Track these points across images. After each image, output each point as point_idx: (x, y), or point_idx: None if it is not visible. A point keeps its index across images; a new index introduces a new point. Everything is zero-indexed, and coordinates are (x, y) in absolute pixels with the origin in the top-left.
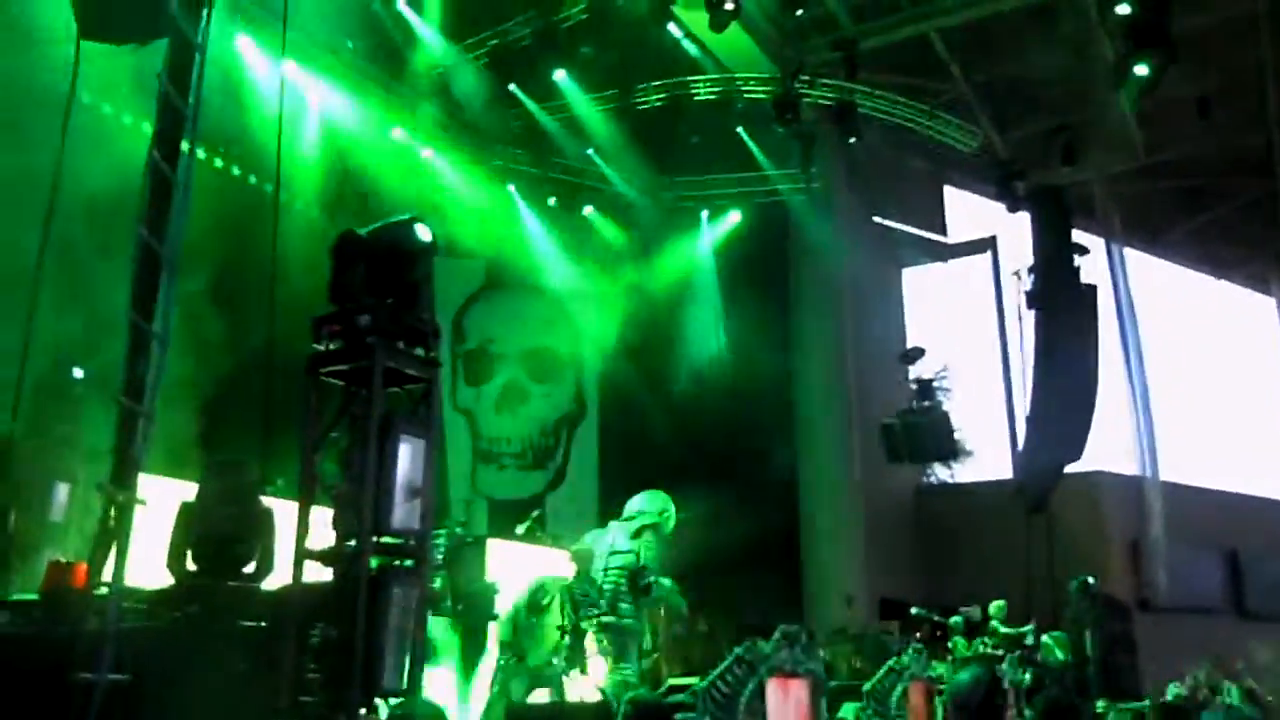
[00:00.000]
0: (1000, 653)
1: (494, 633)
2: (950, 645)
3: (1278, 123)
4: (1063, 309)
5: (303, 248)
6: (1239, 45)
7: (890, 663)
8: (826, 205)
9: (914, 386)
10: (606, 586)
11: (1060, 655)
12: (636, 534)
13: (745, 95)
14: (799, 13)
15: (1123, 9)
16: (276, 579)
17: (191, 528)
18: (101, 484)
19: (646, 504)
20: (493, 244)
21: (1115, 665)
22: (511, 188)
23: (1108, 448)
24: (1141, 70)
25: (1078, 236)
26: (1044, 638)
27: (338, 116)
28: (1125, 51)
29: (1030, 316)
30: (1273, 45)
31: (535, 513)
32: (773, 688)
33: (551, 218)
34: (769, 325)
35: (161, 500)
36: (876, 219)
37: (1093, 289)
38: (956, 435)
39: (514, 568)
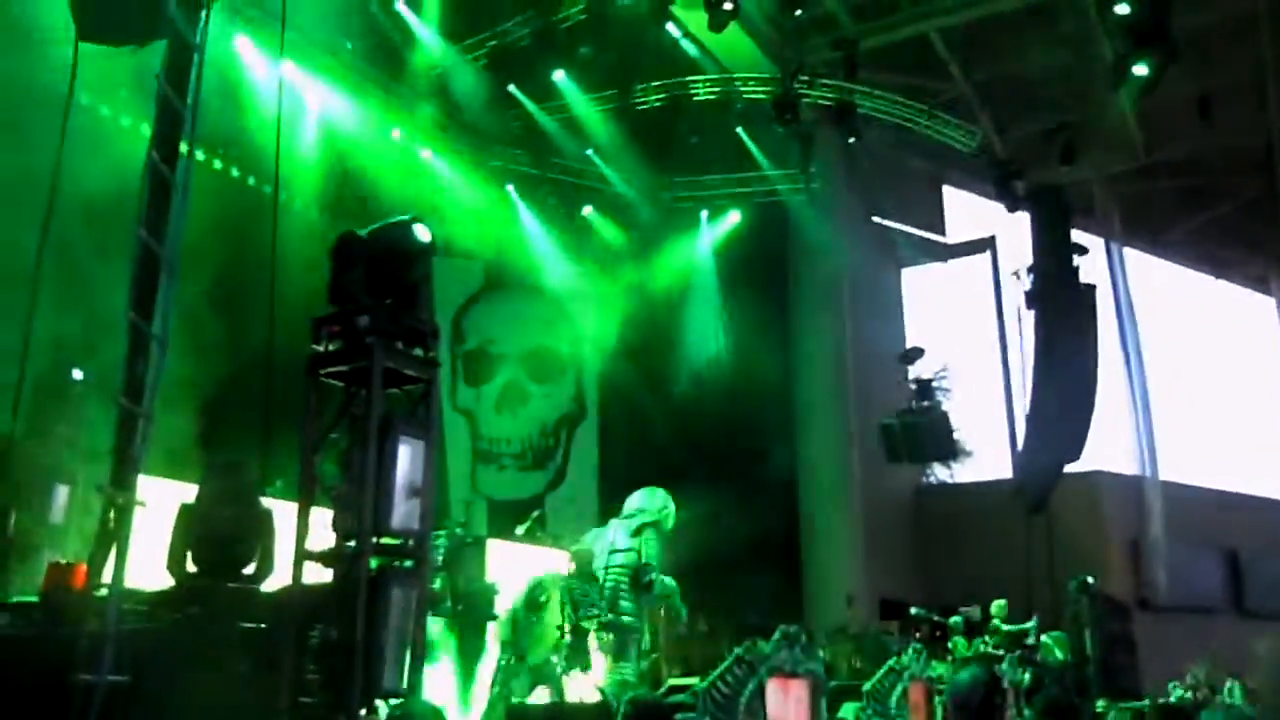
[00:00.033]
0: (1001, 652)
1: (494, 633)
2: (950, 645)
3: (1277, 121)
4: (1062, 309)
5: (302, 249)
6: (1239, 44)
7: (890, 663)
8: (826, 205)
9: (913, 386)
10: (608, 585)
11: (1060, 655)
12: (637, 531)
13: (744, 95)
14: (798, 13)
15: (1122, 8)
16: (276, 580)
17: (191, 529)
18: (101, 485)
19: (646, 501)
20: (492, 244)
21: (1115, 665)
22: (511, 188)
23: (1107, 447)
24: (1141, 70)
25: (1077, 236)
26: (1044, 637)
27: (337, 117)
28: (1125, 51)
29: (1029, 316)
30: (1273, 44)
31: (535, 513)
32: (773, 688)
33: (551, 218)
34: (768, 325)
35: (161, 501)
36: (876, 219)
37: (1092, 289)
38: (956, 435)
39: (514, 568)
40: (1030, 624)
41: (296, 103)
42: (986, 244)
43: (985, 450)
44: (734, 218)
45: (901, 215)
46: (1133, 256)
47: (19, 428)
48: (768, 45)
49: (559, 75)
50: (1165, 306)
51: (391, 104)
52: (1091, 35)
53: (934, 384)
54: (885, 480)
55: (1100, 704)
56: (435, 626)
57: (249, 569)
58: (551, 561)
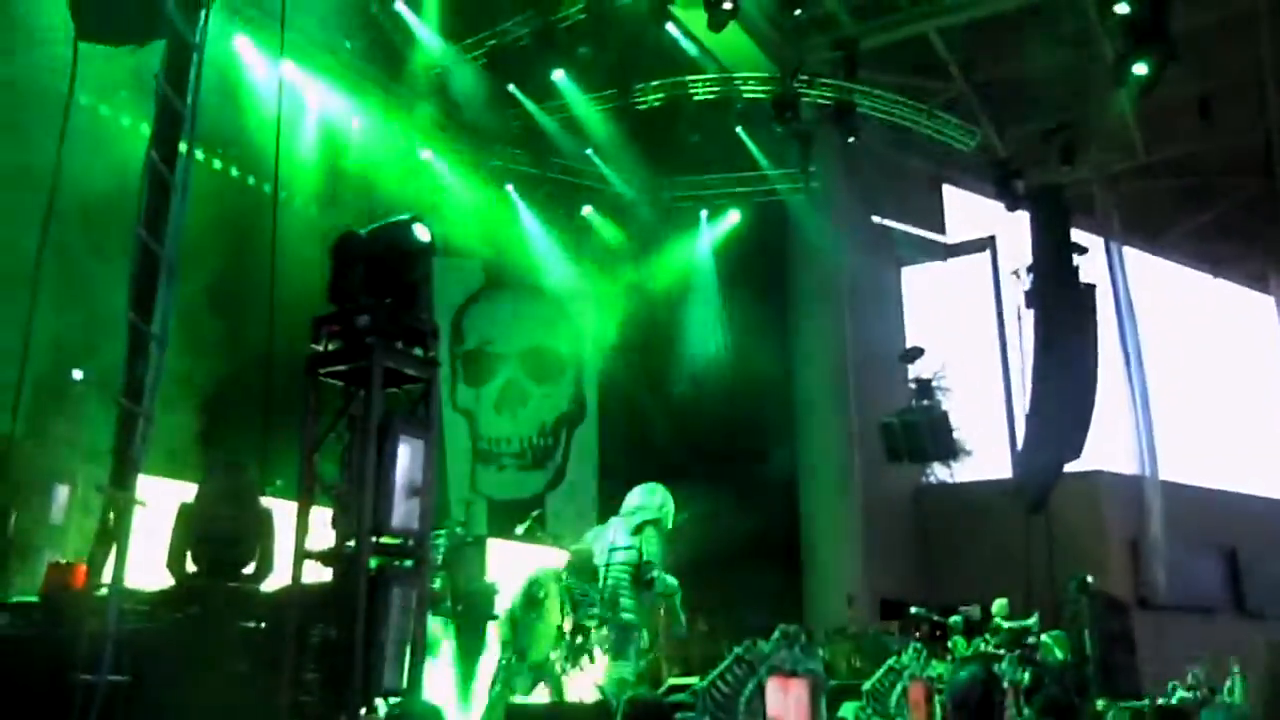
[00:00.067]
0: (1002, 652)
1: (494, 632)
2: (950, 645)
3: (1277, 121)
4: (1062, 308)
5: (302, 248)
6: (1238, 44)
7: (890, 662)
8: (826, 205)
9: (913, 386)
10: (609, 583)
11: (1059, 654)
12: (638, 529)
13: (744, 95)
14: (798, 12)
15: (1122, 8)
16: (276, 579)
17: (191, 528)
18: (101, 485)
19: (645, 499)
20: (491, 244)
21: (1114, 664)
22: (510, 188)
23: (1107, 447)
24: (1141, 69)
25: (1077, 235)
26: (1043, 637)
27: (336, 117)
28: (1125, 50)
29: (1029, 316)
30: (1272, 44)
31: (535, 513)
32: (772, 687)
33: (550, 218)
34: (768, 325)
35: (161, 501)
36: (875, 218)
37: (1091, 288)
38: (956, 435)
39: (514, 568)
40: (1031, 620)
41: (296, 102)
42: (986, 243)
43: (985, 450)
44: (733, 217)
45: (901, 215)
46: (1132, 255)
47: (19, 428)
48: (767, 45)
49: (558, 75)
50: (1165, 305)
51: (391, 103)
52: (1091, 35)
53: (934, 383)
54: (885, 480)
55: (1100, 703)
56: (435, 626)
57: (249, 569)
58: (549, 559)
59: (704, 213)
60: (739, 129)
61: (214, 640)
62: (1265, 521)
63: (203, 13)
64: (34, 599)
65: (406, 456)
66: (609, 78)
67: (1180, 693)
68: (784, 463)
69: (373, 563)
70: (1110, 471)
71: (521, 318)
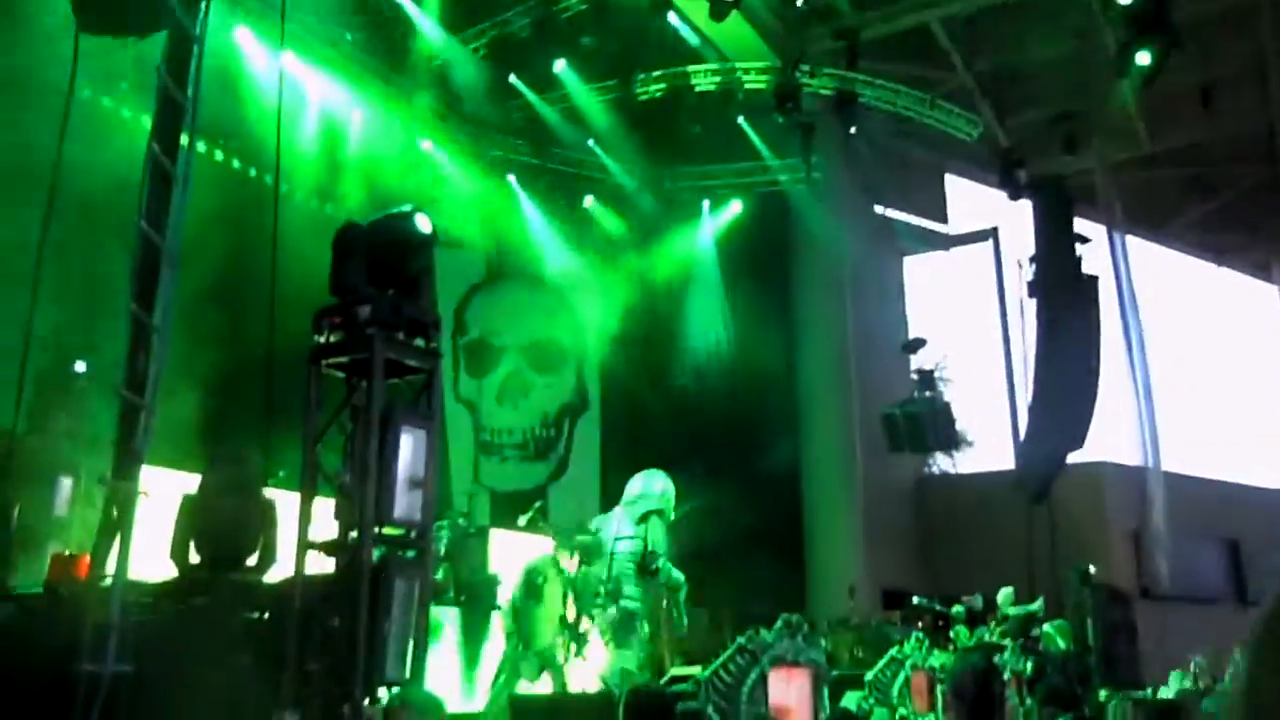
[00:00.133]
0: (1007, 641)
1: (497, 623)
2: (952, 635)
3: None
4: (1064, 298)
5: (303, 240)
6: (1240, 33)
7: (892, 652)
8: (828, 195)
9: (915, 376)
10: (613, 571)
11: (1061, 644)
12: (642, 519)
13: (746, 85)
14: (800, 2)
15: None
16: (279, 570)
17: (194, 520)
18: (104, 477)
19: (646, 486)
20: (493, 235)
21: (1116, 654)
22: (512, 178)
23: (1109, 438)
24: (1143, 58)
25: (1079, 225)
26: (1045, 626)
27: (337, 108)
28: (1127, 40)
29: (1032, 306)
30: (1274, 33)
31: (537, 504)
32: (775, 677)
33: (552, 208)
34: (770, 315)
35: (164, 492)
36: (878, 208)
37: (1094, 278)
38: (958, 425)
39: (516, 559)
40: (1036, 605)
41: (297, 94)
42: (988, 234)
43: (987, 440)
44: (735, 208)
45: (903, 205)
46: (1135, 245)
47: (21, 421)
48: (769, 35)
49: (560, 65)
50: (1168, 295)
51: (392, 94)
52: (1093, 24)
53: (936, 374)
54: (887, 470)
55: (1102, 693)
56: (439, 617)
57: (252, 560)
58: (546, 546)
59: (706, 203)
60: (740, 119)
61: (217, 631)
62: (1268, 512)
63: (203, 4)
64: (38, 590)
65: (409, 447)
66: (610, 68)
67: (1182, 682)
68: (786, 453)
69: (375, 554)
70: (1113, 462)
71: (523, 309)
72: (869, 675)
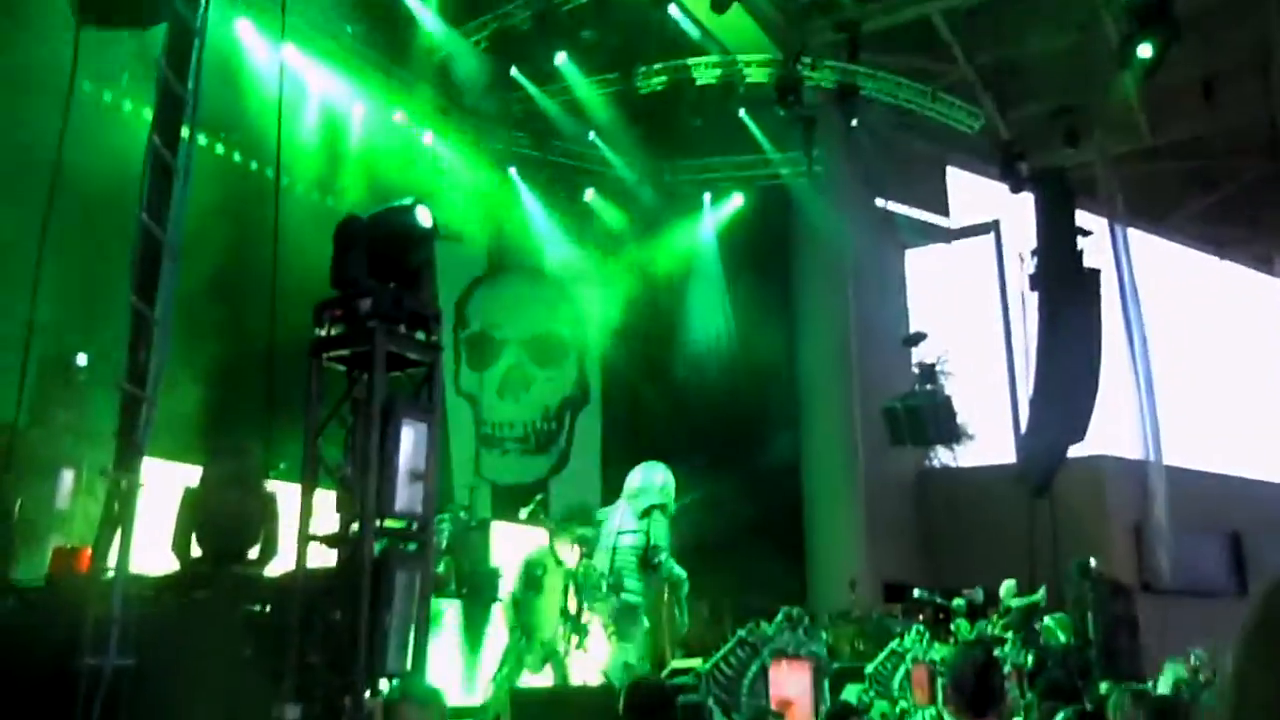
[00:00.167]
0: (1009, 635)
1: (498, 616)
2: (953, 628)
3: None
4: (1066, 291)
5: (304, 233)
6: (1243, 26)
7: (892, 645)
8: (829, 188)
9: (917, 370)
10: (615, 565)
11: (1062, 637)
12: (645, 514)
13: (747, 78)
14: None
15: None
16: (281, 563)
17: (196, 513)
18: (105, 470)
19: (647, 480)
20: (494, 228)
21: (1117, 648)
22: (513, 171)
23: (1111, 431)
24: (1145, 51)
25: (1081, 218)
26: (1046, 620)
27: (338, 101)
28: (1129, 32)
29: (1033, 299)
30: (1277, 26)
31: (539, 497)
32: (776, 670)
33: (553, 201)
34: (771, 309)
35: (166, 485)
36: (879, 201)
37: (1096, 271)
38: (959, 418)
39: (517, 552)
40: (1038, 595)
41: (298, 87)
42: (990, 226)
43: (988, 434)
44: (737, 201)
45: (905, 198)
46: (1137, 238)
47: (23, 414)
48: (770, 27)
49: (561, 58)
50: (1170, 288)
51: (393, 87)
52: (1095, 16)
53: (937, 367)
54: (888, 463)
55: (1103, 686)
56: (440, 609)
57: (253, 552)
58: (543, 538)
59: (707, 196)
60: (742, 112)
61: (218, 624)
62: (1269, 506)
63: None
64: (40, 584)
65: (410, 440)
66: (611, 61)
67: (1178, 672)
68: (787, 446)
69: (377, 546)
70: (1114, 456)
71: (524, 302)
72: (870, 668)
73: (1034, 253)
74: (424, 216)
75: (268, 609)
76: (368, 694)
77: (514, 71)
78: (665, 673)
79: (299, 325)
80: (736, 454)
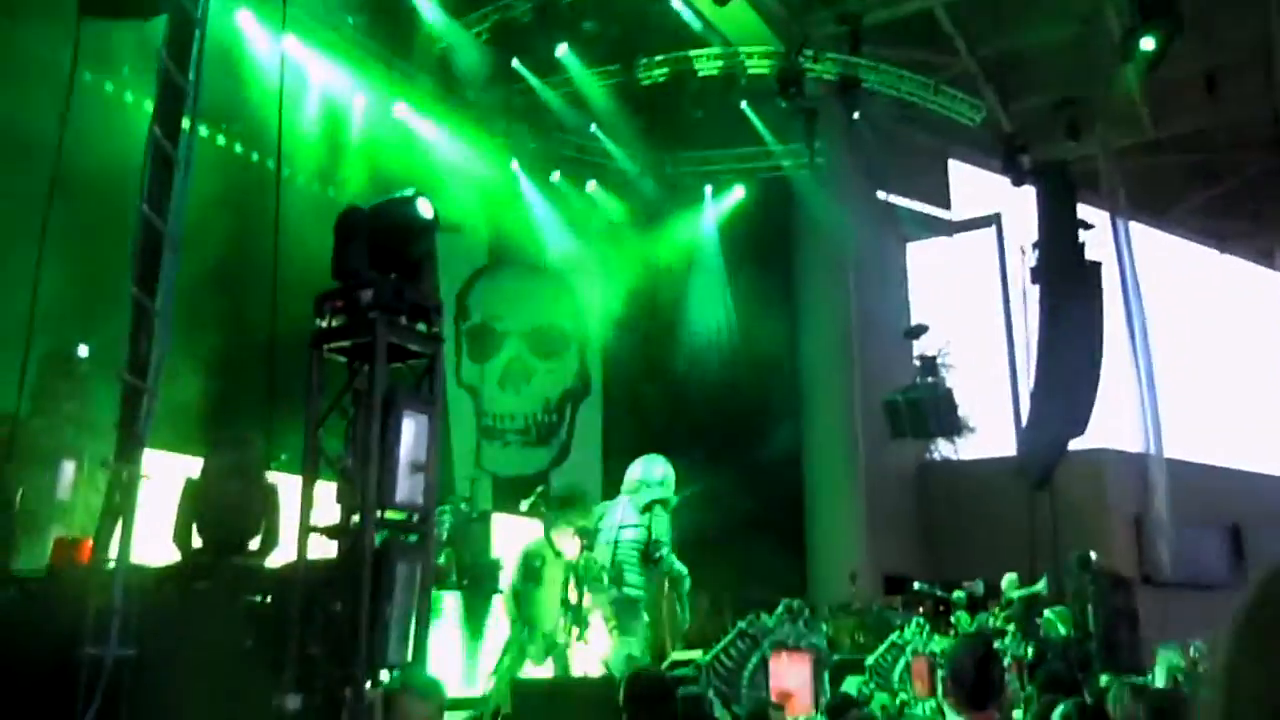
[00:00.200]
0: (1011, 627)
1: (499, 607)
2: (953, 620)
3: None
4: (1067, 284)
5: (305, 224)
6: (1246, 19)
7: (893, 637)
8: (830, 181)
9: (918, 362)
10: (616, 558)
11: (1062, 630)
12: (646, 508)
13: (749, 70)
14: None
15: None
16: (281, 554)
17: (197, 504)
18: (106, 461)
19: (647, 473)
20: (495, 220)
21: (1117, 640)
22: (514, 163)
23: (1111, 424)
24: (1148, 44)
25: (1083, 211)
26: (1046, 613)
27: (339, 93)
28: (1132, 25)
29: (1034, 292)
30: None
31: (539, 489)
32: (776, 661)
33: (555, 193)
34: (773, 301)
35: (167, 476)
36: (880, 194)
37: (1097, 264)
38: (960, 411)
39: (518, 544)
40: (1039, 585)
41: (299, 78)
42: (992, 219)
43: (989, 427)
44: (738, 193)
45: (906, 190)
46: (1138, 231)
47: (24, 405)
48: (772, 19)
49: (562, 50)
50: (1171, 282)
51: (394, 79)
52: (1098, 9)
53: (938, 360)
54: (889, 456)
55: (1104, 679)
56: (441, 601)
57: (254, 543)
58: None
59: (708, 188)
60: (743, 104)
61: (219, 615)
62: (1270, 498)
63: None
64: (41, 574)
65: (411, 432)
66: (613, 53)
67: (1171, 659)
68: (788, 439)
69: (377, 538)
70: (1114, 449)
71: (526, 294)
72: (870, 660)
73: (1035, 246)
74: (425, 208)
75: (268, 600)
76: (368, 685)
77: (515, 63)
78: (665, 664)
79: (300, 316)
80: (737, 446)
